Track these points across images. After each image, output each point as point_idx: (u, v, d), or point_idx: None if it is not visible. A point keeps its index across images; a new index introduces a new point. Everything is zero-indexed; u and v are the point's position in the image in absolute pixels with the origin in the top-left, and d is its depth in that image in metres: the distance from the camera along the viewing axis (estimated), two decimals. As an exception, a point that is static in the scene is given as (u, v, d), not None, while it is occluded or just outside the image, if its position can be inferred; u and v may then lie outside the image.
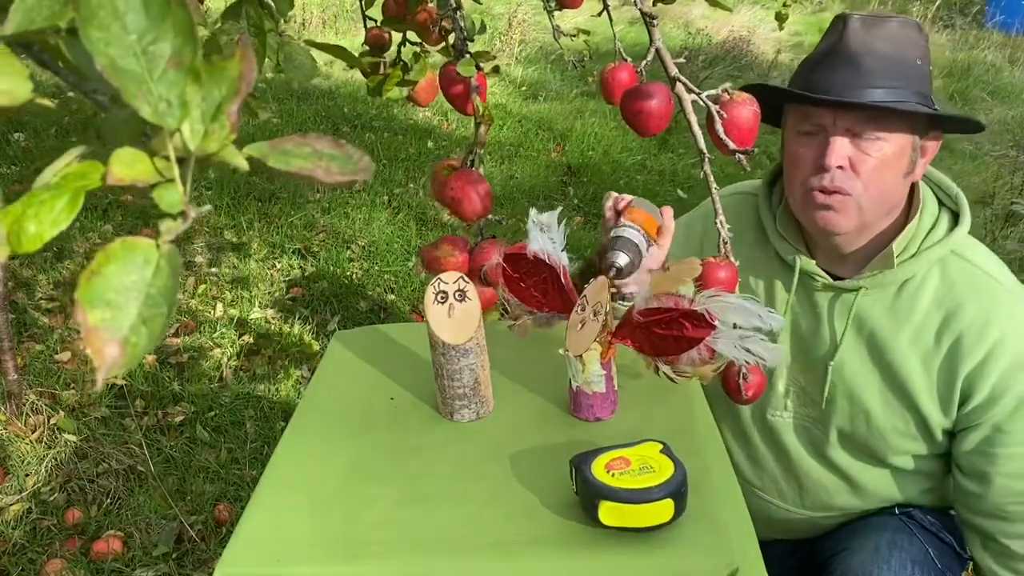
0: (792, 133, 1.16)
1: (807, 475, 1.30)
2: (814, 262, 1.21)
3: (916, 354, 1.16)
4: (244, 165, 0.38)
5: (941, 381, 1.15)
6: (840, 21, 1.14)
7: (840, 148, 1.09)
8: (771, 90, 1.15)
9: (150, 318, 0.35)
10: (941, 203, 1.20)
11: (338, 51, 1.08)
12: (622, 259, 1.01)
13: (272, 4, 1.00)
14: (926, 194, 1.19)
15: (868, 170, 1.09)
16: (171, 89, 0.36)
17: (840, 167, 1.09)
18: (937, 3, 6.88)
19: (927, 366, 1.16)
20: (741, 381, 1.01)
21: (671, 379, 0.92)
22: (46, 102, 0.36)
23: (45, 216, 0.35)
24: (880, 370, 1.19)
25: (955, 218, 1.18)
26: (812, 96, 1.09)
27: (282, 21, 1.03)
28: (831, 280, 1.20)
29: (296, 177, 0.38)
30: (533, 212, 1.03)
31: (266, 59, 1.02)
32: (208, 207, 0.40)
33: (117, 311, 0.34)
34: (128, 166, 0.36)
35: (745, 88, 1.19)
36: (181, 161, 0.37)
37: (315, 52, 1.10)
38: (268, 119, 4.45)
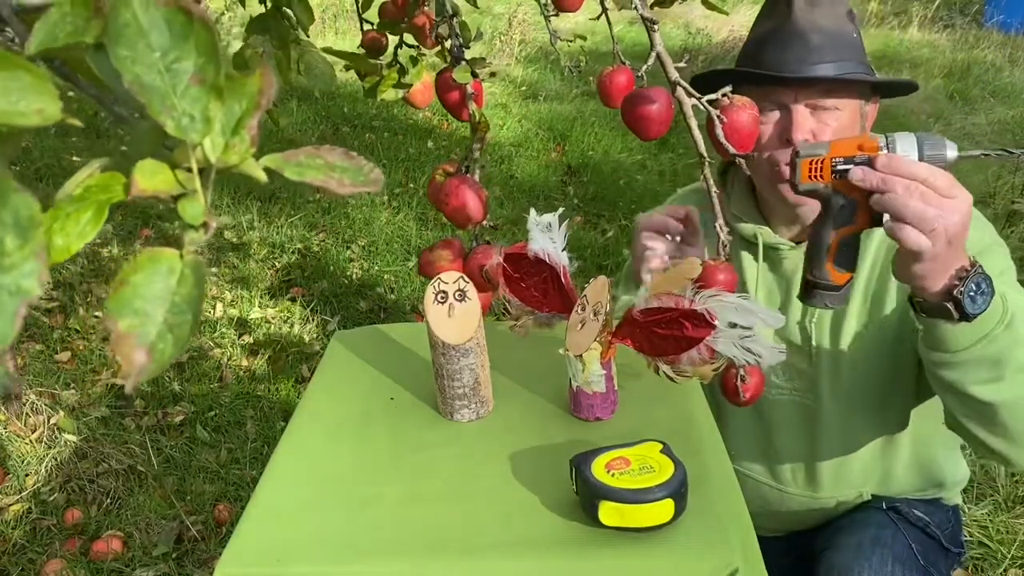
0: None
1: (799, 451, 1.31)
2: (775, 234, 1.27)
3: (876, 272, 1.21)
4: (263, 177, 0.39)
5: (901, 290, 1.18)
6: (782, 2, 1.19)
7: (804, 122, 1.16)
8: (727, 73, 1.20)
9: (176, 325, 0.36)
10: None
11: (354, 58, 1.09)
12: (952, 148, 0.90)
13: (293, 16, 1.01)
14: None
15: (829, 139, 1.16)
16: (194, 105, 0.37)
17: (806, 140, 1.16)
18: (937, 3, 6.88)
19: (887, 279, 1.20)
20: (739, 383, 1.01)
21: (671, 379, 0.92)
22: (75, 121, 0.37)
23: (71, 229, 0.37)
24: (852, 310, 1.23)
25: None
26: (776, 75, 1.15)
27: (302, 32, 1.03)
28: (794, 244, 1.26)
29: (310, 186, 0.40)
30: (533, 213, 1.03)
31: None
32: (227, 218, 0.41)
33: (144, 319, 0.36)
34: (150, 177, 0.37)
35: (697, 76, 1.22)
36: (201, 172, 0.38)
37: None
38: (271, 121, 4.45)
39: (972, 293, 0.92)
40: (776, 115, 1.19)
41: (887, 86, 1.26)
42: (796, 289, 1.25)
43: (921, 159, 0.89)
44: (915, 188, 0.86)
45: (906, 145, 0.90)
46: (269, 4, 1.04)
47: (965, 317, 0.93)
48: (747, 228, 1.28)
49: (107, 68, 0.36)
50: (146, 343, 0.35)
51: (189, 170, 0.38)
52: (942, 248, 0.87)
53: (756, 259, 1.29)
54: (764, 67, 1.17)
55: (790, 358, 1.28)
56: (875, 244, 1.21)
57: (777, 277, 1.29)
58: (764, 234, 1.27)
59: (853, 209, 0.93)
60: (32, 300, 0.30)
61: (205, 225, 0.38)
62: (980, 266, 0.92)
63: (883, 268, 1.20)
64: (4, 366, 0.30)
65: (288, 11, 1.02)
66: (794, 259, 1.26)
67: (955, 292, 0.91)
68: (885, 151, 0.90)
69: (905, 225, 0.86)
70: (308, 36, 1.05)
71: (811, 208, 1.21)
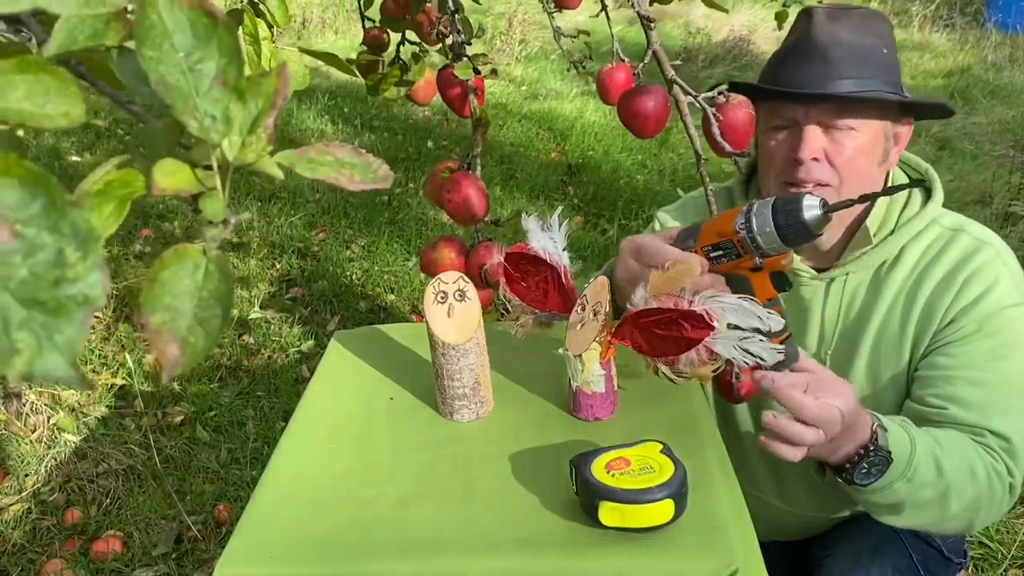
0: (764, 129, 1.16)
1: (803, 475, 1.30)
2: (798, 257, 1.21)
3: (895, 317, 1.16)
4: (279, 174, 0.41)
5: (918, 334, 1.15)
6: (805, 15, 1.14)
7: (813, 141, 1.09)
8: (741, 87, 1.16)
9: (205, 319, 0.38)
10: (911, 180, 1.22)
11: (329, 58, 1.08)
12: (812, 207, 0.87)
13: (268, 12, 1.01)
14: (895, 172, 1.21)
15: (843, 161, 1.10)
16: (215, 106, 0.38)
17: (815, 159, 1.10)
18: (936, 2, 6.88)
19: (905, 325, 1.16)
20: (734, 380, 1.01)
21: (670, 379, 0.92)
22: (99, 122, 0.38)
23: (93, 223, 0.37)
24: (866, 346, 1.19)
25: (927, 193, 1.19)
26: (781, 90, 1.10)
27: (276, 30, 1.03)
28: (816, 272, 1.21)
29: (310, 185, 0.40)
30: (524, 216, 1.03)
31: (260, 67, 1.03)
32: (247, 214, 0.42)
33: (175, 314, 0.37)
34: (170, 176, 0.39)
35: (714, 87, 1.18)
36: (220, 170, 0.39)
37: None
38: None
39: (864, 471, 0.97)
40: (787, 131, 1.12)
41: (914, 108, 1.17)
42: (815, 318, 1.21)
43: (779, 230, 0.87)
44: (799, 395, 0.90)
45: (762, 221, 0.88)
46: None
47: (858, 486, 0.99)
48: None
49: (129, 70, 0.37)
50: (178, 337, 0.37)
51: (208, 168, 0.39)
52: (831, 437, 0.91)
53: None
54: (778, 82, 1.11)
55: None
56: (891, 295, 1.17)
57: (794, 303, 1.23)
58: None
59: (746, 283, 0.93)
60: (97, 309, 0.32)
61: (225, 221, 0.39)
62: (875, 448, 0.96)
63: (901, 319, 1.16)
64: (77, 369, 0.31)
65: (263, 8, 1.01)
66: (814, 288, 1.21)
67: (845, 474, 0.98)
68: (744, 231, 0.89)
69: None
70: (282, 32, 1.06)
71: (830, 237, 1.17)
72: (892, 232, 1.16)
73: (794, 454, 0.91)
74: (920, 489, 1.00)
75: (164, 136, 0.39)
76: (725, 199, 1.31)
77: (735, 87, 1.15)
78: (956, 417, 1.07)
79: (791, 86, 1.10)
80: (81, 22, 0.36)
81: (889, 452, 0.97)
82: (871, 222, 1.16)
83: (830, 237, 1.19)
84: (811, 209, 0.85)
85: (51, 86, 0.34)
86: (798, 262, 1.21)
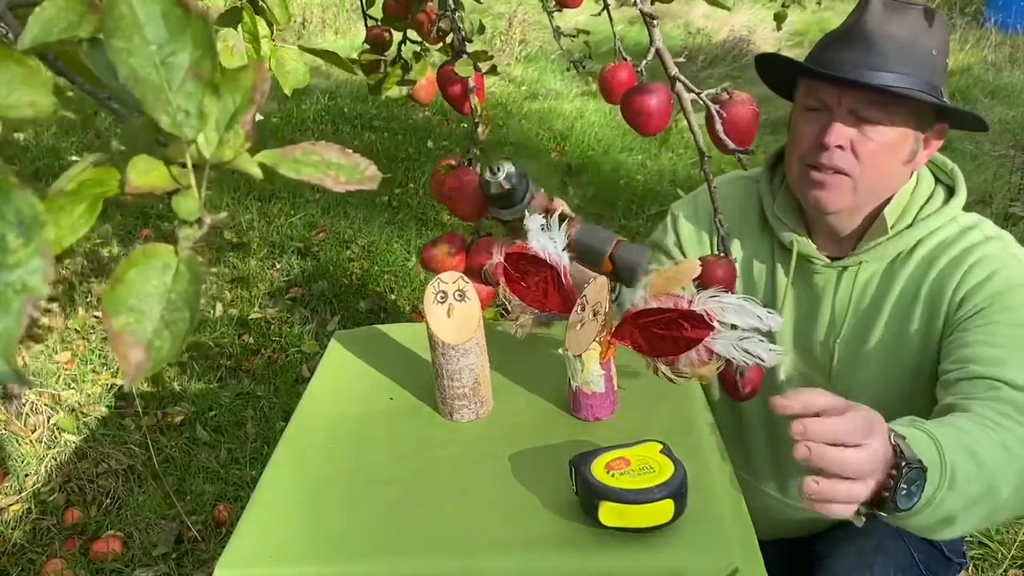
0: (799, 107, 1.17)
1: (804, 468, 1.29)
2: (813, 244, 1.21)
3: (906, 309, 1.16)
4: (258, 173, 0.39)
5: (926, 317, 1.14)
6: (864, 1, 1.13)
7: (841, 129, 1.09)
8: (783, 61, 1.16)
9: (173, 322, 0.36)
10: (937, 179, 1.21)
11: (329, 56, 1.08)
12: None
13: (268, 10, 1.00)
14: (922, 169, 1.20)
15: (867, 153, 1.09)
16: (189, 100, 0.36)
17: (840, 147, 1.09)
18: (936, 2, 6.88)
19: (914, 315, 1.15)
20: (738, 378, 1.01)
21: (670, 379, 0.92)
22: (69, 114, 0.38)
23: (64, 222, 0.36)
24: (876, 337, 1.18)
25: (950, 191, 1.18)
26: (819, 71, 1.09)
27: (276, 28, 1.03)
28: (830, 261, 1.20)
29: (309, 185, 0.39)
30: (527, 214, 1.03)
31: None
32: (224, 214, 0.40)
33: (140, 316, 0.35)
34: (144, 174, 0.37)
35: (760, 57, 1.20)
36: (195, 168, 0.38)
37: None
38: (268, 118, 4.45)
39: (904, 493, 0.86)
40: (819, 115, 1.12)
41: (946, 114, 1.15)
42: (826, 306, 1.20)
43: (492, 202, 1.04)
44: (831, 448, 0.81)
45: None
46: None
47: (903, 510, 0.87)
48: (785, 234, 1.22)
49: (102, 63, 0.36)
50: (142, 340, 0.35)
51: (183, 166, 0.38)
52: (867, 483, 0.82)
53: (788, 269, 1.22)
54: (823, 64, 1.11)
55: (810, 371, 1.24)
56: (906, 275, 1.16)
57: (807, 291, 1.23)
58: (800, 243, 1.20)
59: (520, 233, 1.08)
60: (38, 298, 0.30)
61: (200, 221, 0.38)
62: (905, 464, 0.85)
63: (911, 301, 1.15)
64: (12, 365, 0.30)
65: (263, 5, 1.00)
66: (827, 276, 1.20)
67: (887, 504, 0.86)
68: (498, 219, 1.07)
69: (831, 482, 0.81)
70: (281, 30, 1.05)
71: (841, 219, 1.17)
72: (910, 225, 1.16)
73: (845, 510, 0.82)
74: (965, 486, 0.90)
75: (141, 133, 0.38)
76: (753, 189, 1.29)
77: (776, 59, 1.15)
78: (975, 372, 1.03)
79: (832, 68, 1.09)
80: (56, 15, 0.35)
81: (920, 460, 0.87)
82: (889, 212, 1.15)
83: (847, 223, 1.19)
84: (487, 175, 1.03)
85: (17, 75, 0.33)
86: (813, 250, 1.21)
